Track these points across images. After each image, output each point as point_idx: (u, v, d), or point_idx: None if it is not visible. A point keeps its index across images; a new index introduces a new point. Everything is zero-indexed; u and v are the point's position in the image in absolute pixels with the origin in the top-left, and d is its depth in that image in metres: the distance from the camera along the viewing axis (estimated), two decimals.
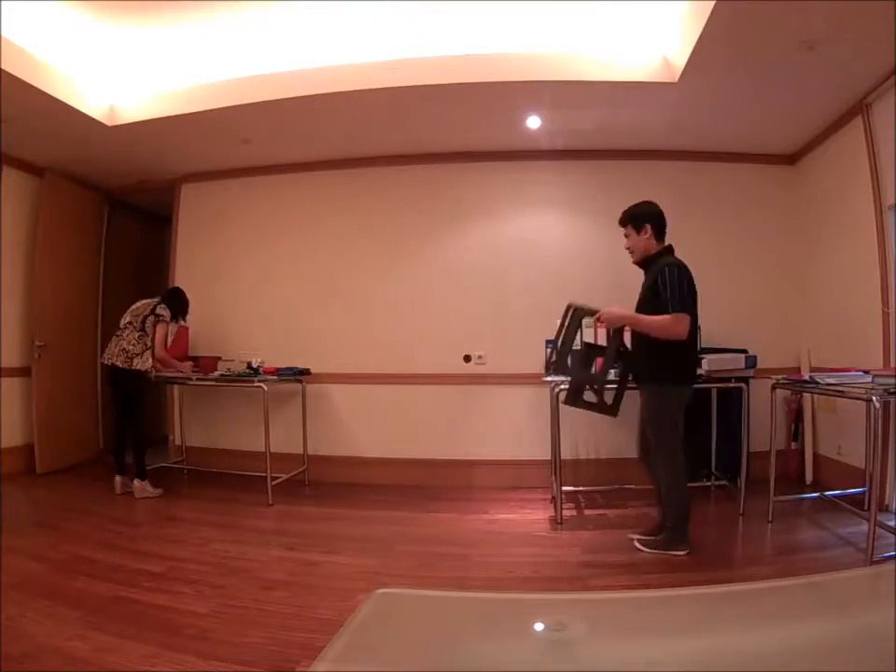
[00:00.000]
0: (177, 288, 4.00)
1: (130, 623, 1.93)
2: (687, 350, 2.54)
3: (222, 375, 3.82)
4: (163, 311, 3.69)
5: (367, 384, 4.20)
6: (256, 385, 3.61)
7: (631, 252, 2.69)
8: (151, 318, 3.66)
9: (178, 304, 3.86)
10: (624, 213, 2.68)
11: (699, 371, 2.89)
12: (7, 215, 4.16)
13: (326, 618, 1.96)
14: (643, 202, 2.69)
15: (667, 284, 2.46)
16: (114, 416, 3.79)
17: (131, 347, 3.58)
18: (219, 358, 3.99)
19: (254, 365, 3.76)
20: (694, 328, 2.53)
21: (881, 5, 2.37)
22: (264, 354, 3.94)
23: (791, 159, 4.10)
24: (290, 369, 3.95)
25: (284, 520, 3.28)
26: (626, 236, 2.68)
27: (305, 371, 4.06)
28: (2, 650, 1.70)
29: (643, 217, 2.62)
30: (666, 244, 2.65)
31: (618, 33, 3.08)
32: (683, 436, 2.61)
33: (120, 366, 3.56)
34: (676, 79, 3.06)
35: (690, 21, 2.74)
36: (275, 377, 3.81)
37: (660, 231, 2.63)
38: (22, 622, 1.91)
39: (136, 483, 3.57)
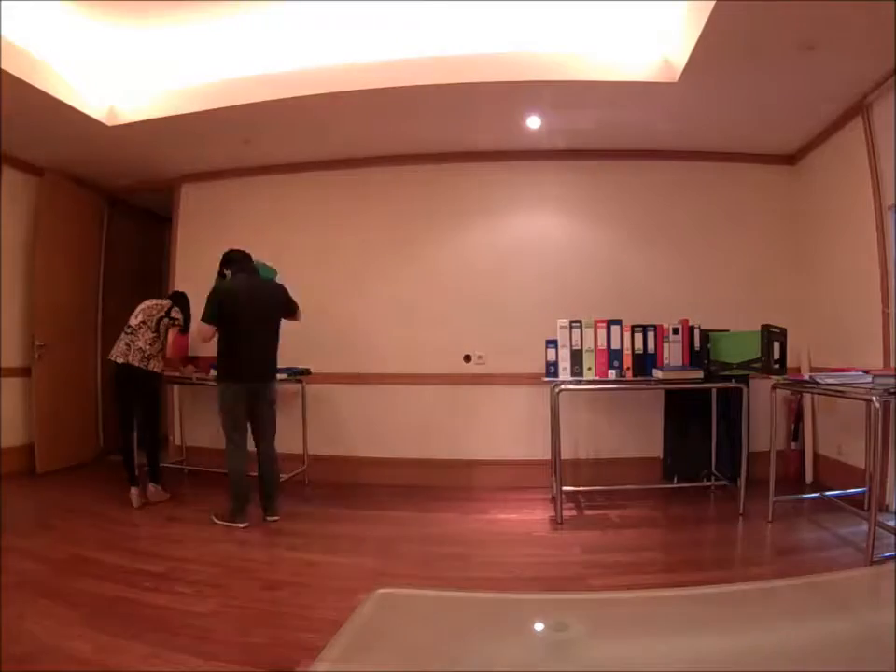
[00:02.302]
0: (186, 295, 3.81)
1: (130, 622, 1.93)
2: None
3: None
4: (178, 315, 3.61)
5: (367, 383, 4.20)
6: None
7: None
8: (166, 321, 3.57)
9: (188, 311, 3.70)
10: None
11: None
12: (7, 215, 4.16)
13: (326, 618, 1.96)
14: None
15: None
16: (122, 419, 3.55)
17: (147, 348, 3.49)
18: None
19: None
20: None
21: (881, 5, 2.37)
22: None
23: (791, 159, 4.10)
24: (290, 369, 3.95)
25: (284, 520, 3.27)
26: None
27: (305, 371, 4.06)
28: (2, 650, 1.70)
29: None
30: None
31: (618, 33, 3.08)
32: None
33: (137, 365, 3.44)
34: (676, 79, 3.06)
35: (690, 21, 2.74)
36: None
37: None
38: (22, 622, 1.91)
39: (151, 487, 3.50)
